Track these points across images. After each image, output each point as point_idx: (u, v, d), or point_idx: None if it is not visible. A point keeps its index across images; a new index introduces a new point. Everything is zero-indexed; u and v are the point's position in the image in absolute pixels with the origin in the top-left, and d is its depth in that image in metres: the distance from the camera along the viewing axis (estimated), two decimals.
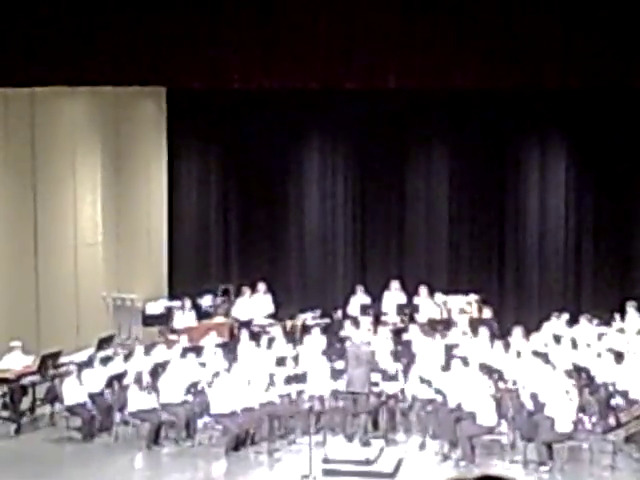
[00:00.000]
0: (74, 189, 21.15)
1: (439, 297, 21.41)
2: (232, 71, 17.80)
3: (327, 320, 21.02)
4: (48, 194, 20.38)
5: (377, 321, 20.75)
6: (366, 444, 15.04)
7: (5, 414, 17.15)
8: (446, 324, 20.00)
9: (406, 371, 16.88)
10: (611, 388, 16.13)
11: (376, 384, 16.35)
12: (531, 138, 23.73)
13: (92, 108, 21.65)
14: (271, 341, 18.98)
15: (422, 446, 15.71)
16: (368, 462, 14.51)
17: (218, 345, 18.71)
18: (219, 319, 21.52)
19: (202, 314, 21.69)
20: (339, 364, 16.93)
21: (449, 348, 17.72)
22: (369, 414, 15.84)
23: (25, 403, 17.30)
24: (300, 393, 16.58)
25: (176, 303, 21.81)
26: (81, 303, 20.90)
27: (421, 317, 20.79)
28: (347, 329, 19.17)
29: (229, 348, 18.78)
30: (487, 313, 20.68)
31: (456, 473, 13.72)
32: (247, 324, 20.69)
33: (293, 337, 19.84)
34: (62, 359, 17.72)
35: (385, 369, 16.62)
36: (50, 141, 20.37)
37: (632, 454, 14.78)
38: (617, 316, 20.10)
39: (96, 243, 21.62)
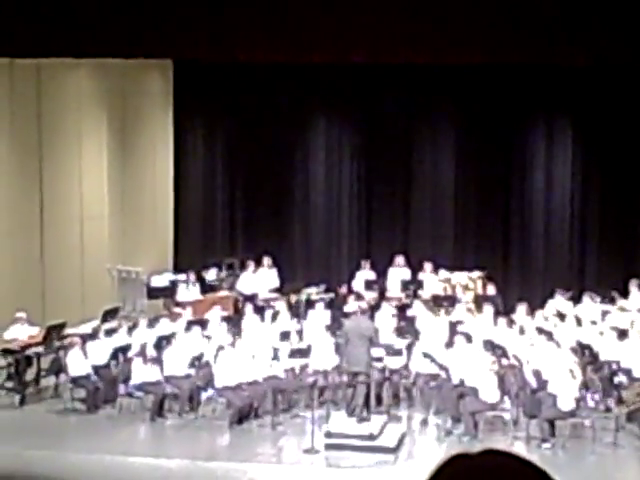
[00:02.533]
0: (80, 162, 21.13)
1: (443, 273, 21.41)
2: (238, 43, 17.72)
3: (331, 295, 21.03)
4: (54, 167, 20.37)
5: (381, 297, 20.77)
6: (363, 420, 15.04)
7: (10, 385, 17.21)
8: (450, 300, 20.00)
9: (410, 347, 16.90)
10: (614, 366, 16.13)
11: (380, 359, 16.36)
12: (538, 117, 23.68)
13: (98, 80, 21.59)
14: (275, 315, 19.01)
15: (425, 421, 15.75)
16: (371, 437, 14.54)
17: (223, 319, 18.73)
18: (224, 293, 21.54)
19: (207, 288, 21.72)
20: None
21: (453, 324, 17.73)
22: (369, 390, 15.82)
23: (30, 374, 17.35)
24: (304, 367, 16.61)
25: (181, 276, 21.82)
26: (86, 275, 20.92)
27: (425, 293, 20.79)
28: (351, 304, 19.17)
29: (233, 322, 18.81)
30: (491, 290, 20.68)
31: (459, 448, 13.76)
32: (252, 298, 20.71)
33: (297, 311, 19.86)
34: (67, 331, 17.76)
35: (388, 344, 16.63)
36: (56, 114, 20.34)
37: (634, 431, 14.80)
38: (620, 294, 20.11)
39: (102, 216, 21.61)
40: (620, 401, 15.13)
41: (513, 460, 1.54)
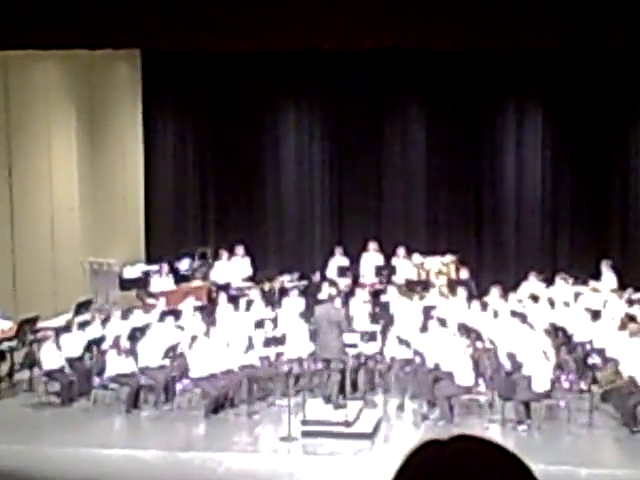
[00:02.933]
0: (49, 154, 21.00)
1: (417, 258, 21.45)
2: (206, 31, 17.65)
3: (305, 282, 21.03)
4: (23, 160, 20.24)
5: (355, 283, 20.79)
6: (339, 407, 15.06)
7: None
8: (424, 285, 20.06)
9: (384, 332, 16.93)
10: (588, 347, 16.24)
11: (354, 345, 16.38)
12: (507, 101, 23.77)
13: (66, 72, 21.46)
14: (249, 304, 18.99)
15: (401, 406, 15.78)
16: (347, 423, 14.56)
17: (196, 308, 18.70)
18: (197, 283, 21.51)
19: (180, 278, 21.68)
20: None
21: (427, 309, 17.76)
22: (344, 376, 15.83)
23: (3, 368, 17.26)
24: (279, 355, 16.60)
25: (154, 267, 21.76)
26: (58, 268, 20.82)
27: (399, 278, 20.84)
28: (325, 291, 19.17)
29: (207, 311, 18.78)
30: (464, 274, 20.76)
31: (435, 433, 13.81)
32: (225, 287, 20.68)
33: (271, 300, 19.85)
34: (40, 324, 17.67)
35: (360, 330, 16.66)
36: (24, 106, 20.19)
37: (609, 411, 14.89)
38: (593, 275, 20.25)
39: (72, 208, 21.50)
40: (594, 381, 15.21)
41: (484, 445, 1.53)
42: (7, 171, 19.84)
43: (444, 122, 23.54)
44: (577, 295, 18.88)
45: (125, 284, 21.35)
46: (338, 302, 16.60)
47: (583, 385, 15.37)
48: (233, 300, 19.36)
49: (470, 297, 18.60)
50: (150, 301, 19.83)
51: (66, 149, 21.52)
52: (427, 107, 23.91)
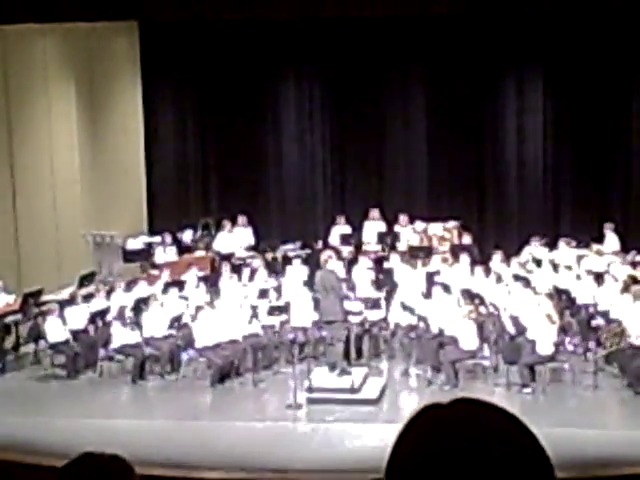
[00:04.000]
0: (49, 127, 20.97)
1: (419, 225, 21.44)
2: (205, 2, 17.60)
3: (308, 251, 21.04)
4: (23, 133, 20.22)
5: (358, 250, 20.81)
6: (343, 373, 15.11)
7: None
8: (427, 251, 20.05)
9: (388, 299, 16.96)
10: (592, 309, 16.27)
11: (359, 312, 16.43)
12: (508, 68, 23.67)
13: (64, 46, 21.39)
14: (253, 273, 19.02)
15: (406, 372, 15.83)
16: (352, 389, 14.61)
17: (200, 279, 18.73)
18: (200, 253, 21.52)
19: (183, 249, 21.70)
20: None
21: (430, 275, 17.78)
22: (348, 343, 15.88)
23: (8, 342, 17.32)
24: (283, 324, 16.65)
25: (156, 239, 21.77)
26: (61, 241, 20.84)
27: (402, 245, 20.84)
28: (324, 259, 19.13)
29: (211, 281, 18.82)
30: (467, 239, 20.75)
31: (440, 398, 13.85)
32: (228, 257, 20.70)
33: (275, 269, 19.87)
34: (44, 297, 17.72)
35: (364, 297, 16.69)
36: (23, 80, 20.15)
37: (613, 373, 14.94)
38: (595, 238, 20.26)
39: (74, 181, 21.49)
40: (598, 344, 15.25)
41: (485, 408, 1.54)
42: (8, 145, 19.82)
43: (445, 90, 23.45)
44: (580, 258, 18.89)
45: (128, 256, 21.38)
46: (333, 266, 16.38)
47: (588, 347, 15.41)
48: (236, 270, 19.39)
49: (473, 262, 18.61)
50: (154, 272, 19.87)
51: (66, 122, 21.48)
52: (428, 75, 23.81)
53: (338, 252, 19.78)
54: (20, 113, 20.07)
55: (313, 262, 19.52)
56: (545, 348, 14.62)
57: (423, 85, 23.96)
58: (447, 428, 1.49)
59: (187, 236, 22.20)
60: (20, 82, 20.02)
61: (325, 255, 16.51)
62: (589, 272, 17.45)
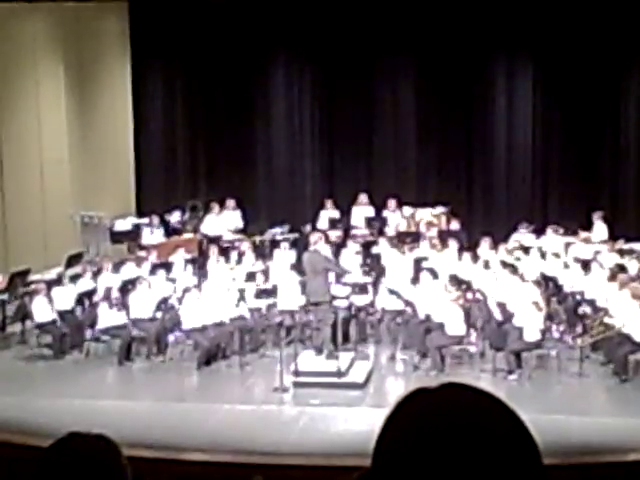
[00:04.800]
0: (38, 107, 20.88)
1: (407, 210, 21.44)
2: None
3: (296, 235, 21.03)
4: (11, 112, 20.13)
5: (346, 235, 20.80)
6: (331, 357, 15.12)
7: None
8: (415, 237, 20.06)
9: (375, 284, 16.97)
10: (578, 297, 16.31)
11: (346, 297, 16.44)
12: (498, 53, 23.65)
13: (53, 24, 21.28)
14: (240, 256, 19.01)
15: (392, 357, 15.86)
16: (339, 373, 14.63)
17: (187, 261, 18.72)
18: (188, 235, 21.48)
19: (170, 231, 21.66)
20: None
21: (418, 260, 17.80)
22: (335, 327, 15.87)
23: None
24: (270, 307, 16.65)
25: (144, 220, 21.73)
26: (48, 221, 20.78)
27: (390, 230, 20.85)
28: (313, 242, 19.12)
29: (198, 264, 18.81)
30: (455, 225, 20.77)
31: (426, 383, 13.87)
32: (216, 240, 20.68)
33: (262, 252, 19.86)
34: (31, 277, 17.68)
35: (352, 282, 16.70)
36: (11, 59, 20.05)
37: (599, 361, 14.99)
38: (583, 226, 20.30)
39: (62, 160, 21.41)
40: (585, 331, 15.30)
41: (473, 392, 1.53)
42: None
43: (435, 76, 23.43)
44: (567, 246, 18.93)
45: (116, 237, 21.35)
46: (320, 248, 16.34)
47: (574, 334, 15.45)
48: (224, 253, 19.38)
49: (461, 248, 18.64)
50: (141, 254, 19.84)
51: (54, 102, 21.39)
52: (418, 60, 23.76)
53: (326, 236, 19.77)
54: (8, 91, 19.98)
55: (301, 246, 19.54)
56: (532, 335, 14.66)
57: (413, 70, 23.92)
58: (435, 412, 1.49)
59: (175, 218, 22.16)
60: (8, 61, 19.92)
61: (315, 236, 16.51)
62: (576, 260, 17.49)
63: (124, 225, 21.57)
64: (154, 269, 17.73)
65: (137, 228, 21.42)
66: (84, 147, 22.35)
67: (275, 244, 20.11)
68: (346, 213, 21.94)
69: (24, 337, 17.05)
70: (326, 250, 17.38)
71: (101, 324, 16.11)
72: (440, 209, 21.41)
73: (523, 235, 19.99)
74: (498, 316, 15.27)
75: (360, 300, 16.71)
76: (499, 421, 1.49)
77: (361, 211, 21.81)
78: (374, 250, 19.16)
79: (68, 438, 2.33)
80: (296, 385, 14.46)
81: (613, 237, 19.85)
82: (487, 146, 23.77)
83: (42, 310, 16.29)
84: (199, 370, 15.37)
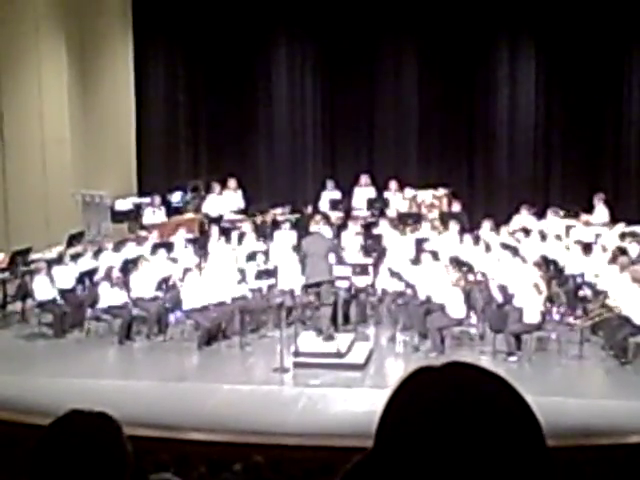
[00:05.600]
0: (39, 85, 20.82)
1: (409, 191, 21.42)
2: None
3: (297, 215, 21.02)
4: (13, 91, 20.09)
5: (347, 216, 20.79)
6: (329, 338, 15.13)
7: None
8: (416, 218, 20.05)
9: (376, 265, 16.97)
10: (579, 279, 16.31)
11: (347, 278, 16.44)
12: (501, 35, 23.60)
13: (55, 3, 21.23)
14: (241, 237, 19.01)
15: (392, 338, 15.87)
16: (339, 354, 14.65)
17: (188, 241, 18.71)
18: (189, 215, 21.47)
19: (172, 210, 21.63)
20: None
21: (419, 242, 17.80)
22: (335, 308, 15.87)
23: None
24: (271, 288, 16.66)
25: (145, 200, 21.71)
26: (50, 200, 20.76)
27: (391, 212, 20.83)
28: (315, 224, 19.13)
29: (199, 244, 18.80)
30: (456, 207, 20.75)
31: (426, 364, 13.89)
32: (217, 220, 20.66)
33: (263, 232, 19.86)
34: (32, 256, 17.68)
35: (352, 263, 16.69)
36: (13, 37, 19.99)
37: (599, 343, 15.00)
38: (585, 209, 20.29)
39: (63, 139, 21.37)
40: (585, 314, 15.31)
41: (476, 371, 1.53)
42: None
43: (437, 57, 23.38)
44: (569, 228, 18.92)
45: (117, 216, 21.34)
46: (326, 232, 16.38)
47: (574, 317, 15.46)
48: (225, 233, 19.37)
49: (462, 230, 18.63)
50: (142, 233, 19.83)
51: (56, 80, 21.33)
52: (420, 42, 23.71)
53: (327, 217, 19.78)
54: (10, 72, 19.92)
55: (302, 227, 19.53)
56: (532, 317, 14.67)
57: (415, 51, 23.86)
58: (439, 391, 1.48)
59: (176, 198, 22.14)
60: (10, 40, 19.86)
61: (317, 218, 16.52)
62: (577, 242, 17.48)
63: (125, 205, 21.56)
64: (155, 249, 17.73)
65: (138, 208, 21.39)
66: (86, 126, 22.32)
67: (276, 225, 20.10)
68: (347, 194, 21.91)
69: (25, 316, 17.07)
70: (327, 231, 17.38)
71: (102, 303, 16.12)
72: (442, 191, 21.39)
73: (524, 217, 19.97)
74: (498, 298, 15.28)
75: (360, 281, 16.71)
76: (503, 400, 1.49)
77: (362, 192, 21.78)
78: (375, 231, 19.16)
79: (69, 415, 2.33)
80: (296, 366, 14.48)
81: (614, 220, 19.83)
82: (489, 128, 23.73)
83: (43, 289, 16.30)
84: (199, 350, 15.40)
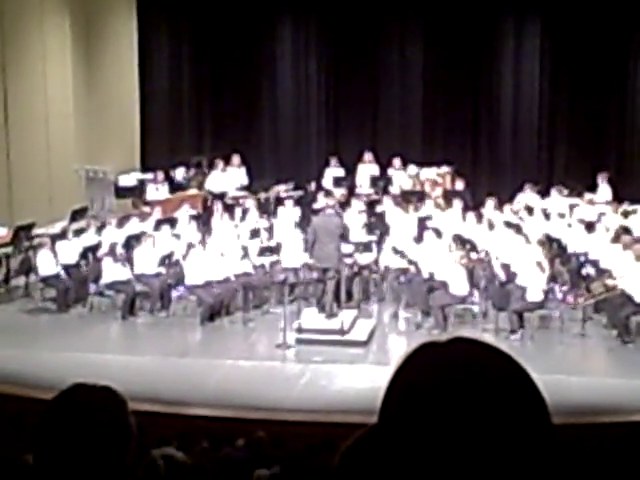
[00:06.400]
0: (44, 61, 20.77)
1: (412, 169, 21.38)
2: None
3: (301, 192, 21.00)
4: (17, 67, 20.03)
5: (351, 193, 20.77)
6: (332, 316, 15.14)
7: None
8: (419, 196, 20.02)
9: (379, 242, 16.97)
10: (582, 258, 16.30)
11: (350, 255, 16.43)
12: (507, 12, 23.50)
13: None
14: (245, 213, 19.00)
15: (395, 315, 15.89)
16: (342, 331, 14.67)
17: (192, 217, 18.71)
18: (192, 191, 21.44)
19: (175, 186, 21.61)
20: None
21: (422, 220, 17.78)
22: (339, 286, 15.87)
23: None
24: (274, 264, 16.67)
25: (149, 175, 21.69)
26: (53, 175, 20.75)
27: (394, 189, 20.80)
28: (320, 201, 19.14)
29: (203, 220, 18.80)
30: (460, 185, 20.71)
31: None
32: (221, 196, 20.64)
33: (267, 209, 19.85)
34: (36, 231, 17.68)
35: (356, 240, 16.68)
36: (18, 12, 19.92)
37: (601, 322, 15.01)
38: (588, 188, 20.27)
39: (67, 114, 21.34)
40: (588, 292, 15.30)
41: (481, 347, 1.53)
42: (1, 79, 19.64)
43: (442, 34, 23.30)
44: (572, 207, 18.90)
45: (120, 192, 21.33)
46: (332, 211, 16.38)
47: (577, 295, 15.46)
48: (228, 209, 19.36)
49: (465, 208, 18.61)
50: (145, 209, 19.82)
51: (60, 56, 21.28)
52: (425, 19, 23.63)
53: (330, 194, 19.74)
54: (14, 47, 19.87)
55: (305, 204, 19.53)
56: (535, 295, 14.67)
57: (420, 29, 23.78)
58: (443, 366, 1.48)
59: (180, 174, 22.11)
60: (14, 16, 19.79)
61: (325, 201, 16.52)
62: (581, 221, 17.47)
63: (129, 180, 21.54)
64: (158, 225, 17.73)
65: (142, 184, 21.37)
66: (89, 102, 22.28)
67: (279, 201, 20.09)
68: (351, 171, 21.89)
69: (28, 290, 17.10)
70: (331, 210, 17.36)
71: (105, 279, 16.13)
72: (445, 168, 21.35)
73: (528, 195, 19.95)
74: (501, 276, 15.28)
75: (364, 258, 16.71)
76: (508, 376, 1.49)
77: (366, 169, 21.75)
78: (378, 209, 19.14)
79: (73, 389, 2.34)
80: (299, 342, 14.51)
81: (618, 199, 19.80)
82: (493, 106, 23.68)
83: (46, 264, 16.31)
84: (202, 326, 15.42)
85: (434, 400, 1.45)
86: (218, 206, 19.22)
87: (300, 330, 14.72)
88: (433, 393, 1.45)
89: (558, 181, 20.94)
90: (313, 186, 21.23)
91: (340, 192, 20.77)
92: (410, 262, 15.98)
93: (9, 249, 17.41)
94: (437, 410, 1.44)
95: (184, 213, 18.85)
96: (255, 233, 17.31)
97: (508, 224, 17.13)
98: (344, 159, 22.23)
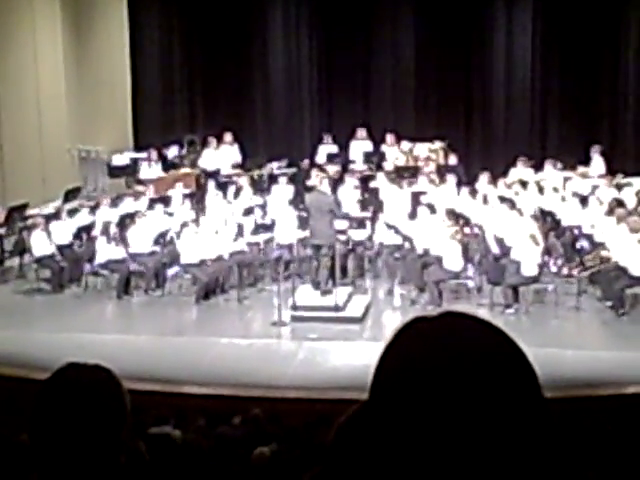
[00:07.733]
0: (34, 41, 20.68)
1: (406, 145, 21.37)
2: None
3: (294, 169, 20.97)
4: (8, 47, 19.94)
5: (344, 169, 20.75)
6: (327, 293, 15.14)
7: None
8: (413, 171, 20.01)
9: (373, 218, 16.96)
10: (576, 231, 16.32)
11: (344, 231, 16.41)
12: None
13: None
14: (238, 191, 18.98)
15: (390, 291, 15.90)
16: (337, 308, 14.68)
17: (185, 196, 18.69)
18: (185, 170, 21.41)
19: (168, 165, 21.58)
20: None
21: (416, 195, 17.77)
22: (333, 262, 15.85)
23: None
24: (268, 242, 16.66)
25: (142, 155, 21.65)
26: (46, 155, 20.70)
27: (388, 165, 20.79)
28: (314, 178, 19.10)
29: (196, 198, 18.78)
30: (453, 160, 20.71)
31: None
32: (214, 174, 20.62)
33: (260, 187, 19.83)
34: (29, 211, 17.65)
35: (350, 216, 16.66)
36: None
37: (596, 295, 15.03)
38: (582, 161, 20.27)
39: (59, 95, 21.27)
40: (582, 265, 15.32)
41: (471, 320, 1.53)
42: None
43: (434, 10, 23.25)
44: (566, 180, 18.91)
45: (114, 171, 21.29)
46: (326, 188, 16.36)
47: (571, 269, 15.48)
48: (222, 187, 19.33)
49: (459, 183, 18.62)
50: (139, 188, 19.79)
51: (51, 36, 21.19)
52: None
53: (324, 171, 19.71)
54: (4, 28, 19.77)
55: (299, 181, 19.51)
56: (529, 269, 14.68)
57: (412, 6, 23.73)
58: (434, 340, 1.48)
59: (172, 152, 22.07)
60: None
61: (318, 177, 16.48)
62: (574, 194, 17.48)
63: (122, 160, 21.50)
64: (152, 204, 17.71)
65: (135, 163, 21.33)
66: (81, 81, 22.20)
67: (273, 179, 20.06)
68: (344, 148, 21.87)
69: (22, 271, 17.07)
70: (325, 186, 17.33)
71: (99, 258, 16.11)
72: (438, 144, 21.33)
73: (521, 169, 19.95)
74: (496, 251, 15.29)
75: (358, 235, 16.70)
76: (500, 350, 1.49)
77: (359, 146, 21.73)
78: (372, 185, 19.12)
79: (67, 368, 2.34)
80: (294, 319, 14.52)
81: (611, 172, 19.82)
82: (486, 81, 23.65)
83: (40, 244, 16.28)
84: (197, 304, 15.42)
85: (424, 374, 1.44)
86: (211, 184, 19.21)
87: (295, 307, 14.73)
88: (423, 367, 1.45)
89: (551, 155, 20.94)
90: (306, 163, 21.21)
91: (334, 169, 20.76)
92: (404, 238, 15.98)
93: (2, 230, 17.38)
94: (427, 384, 1.44)
95: (178, 192, 18.82)
96: (249, 211, 17.30)
97: (502, 198, 17.13)
98: (337, 136, 22.21)
